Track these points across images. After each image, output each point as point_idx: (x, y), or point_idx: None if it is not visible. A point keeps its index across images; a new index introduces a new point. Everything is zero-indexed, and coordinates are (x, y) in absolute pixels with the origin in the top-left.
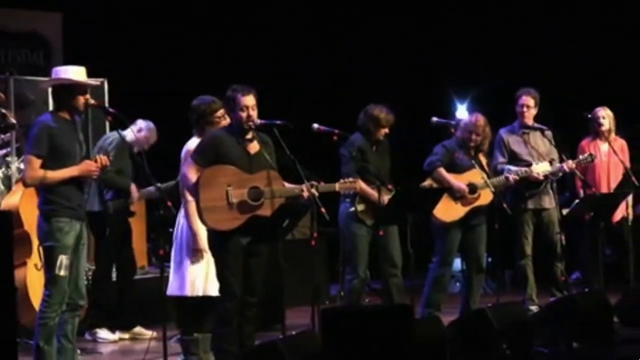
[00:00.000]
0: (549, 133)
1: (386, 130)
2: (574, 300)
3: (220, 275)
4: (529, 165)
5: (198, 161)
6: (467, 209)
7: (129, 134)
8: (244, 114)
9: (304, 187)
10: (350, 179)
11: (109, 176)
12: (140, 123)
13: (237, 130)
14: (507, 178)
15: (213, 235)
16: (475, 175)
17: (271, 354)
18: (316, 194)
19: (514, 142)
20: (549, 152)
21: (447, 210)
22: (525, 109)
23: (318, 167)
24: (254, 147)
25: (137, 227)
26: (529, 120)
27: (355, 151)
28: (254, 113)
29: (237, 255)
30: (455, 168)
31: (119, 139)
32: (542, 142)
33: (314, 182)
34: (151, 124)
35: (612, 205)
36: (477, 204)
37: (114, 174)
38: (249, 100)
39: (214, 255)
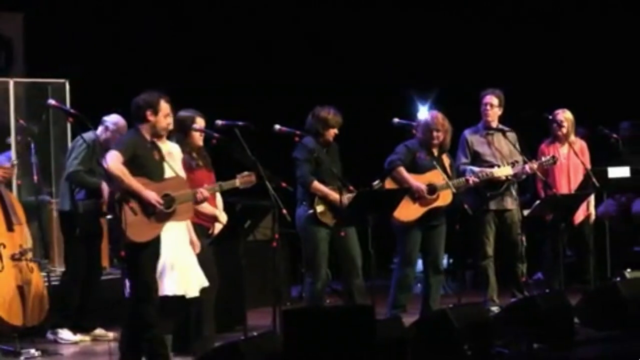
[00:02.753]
0: (512, 135)
1: (335, 130)
2: (535, 301)
3: (137, 283)
4: (492, 166)
5: (122, 153)
6: (424, 209)
7: (102, 132)
8: (167, 120)
9: (199, 189)
10: (246, 173)
11: (80, 176)
12: (108, 119)
13: (152, 135)
14: (467, 180)
15: (128, 245)
16: (436, 176)
17: (232, 355)
18: (207, 194)
19: (478, 143)
20: (512, 153)
21: (405, 210)
22: (488, 107)
23: (280, 167)
24: (158, 153)
25: None
26: (492, 120)
27: (310, 154)
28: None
29: (154, 261)
30: (416, 168)
31: (92, 140)
32: (505, 143)
33: (221, 183)
34: (113, 120)
35: (572, 206)
36: (435, 204)
37: (84, 174)
38: (169, 107)
39: (129, 263)
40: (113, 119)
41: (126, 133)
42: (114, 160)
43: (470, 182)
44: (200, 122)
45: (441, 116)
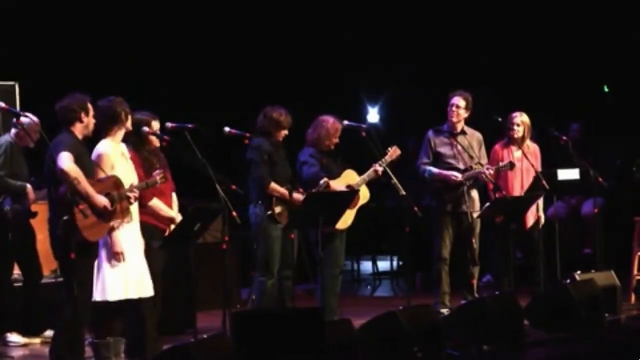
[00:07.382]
0: (478, 137)
1: (286, 132)
2: (485, 303)
3: (81, 287)
4: (452, 167)
5: (71, 154)
6: (354, 212)
7: (8, 135)
8: (93, 120)
9: (132, 188)
10: (158, 171)
11: (3, 181)
12: (24, 119)
13: (83, 135)
14: (375, 171)
15: (79, 245)
16: (349, 177)
17: (183, 358)
18: (137, 193)
19: (441, 144)
20: (477, 155)
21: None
22: (454, 108)
23: (229, 170)
24: (89, 153)
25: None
26: (457, 121)
27: (265, 155)
28: None
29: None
30: (327, 175)
31: (8, 142)
32: (469, 144)
33: (147, 181)
34: (28, 119)
35: (522, 209)
36: (360, 204)
37: (7, 179)
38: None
39: (75, 266)
40: (24, 120)
41: (60, 136)
42: (67, 162)
43: (379, 171)
44: (155, 125)
45: (337, 121)
